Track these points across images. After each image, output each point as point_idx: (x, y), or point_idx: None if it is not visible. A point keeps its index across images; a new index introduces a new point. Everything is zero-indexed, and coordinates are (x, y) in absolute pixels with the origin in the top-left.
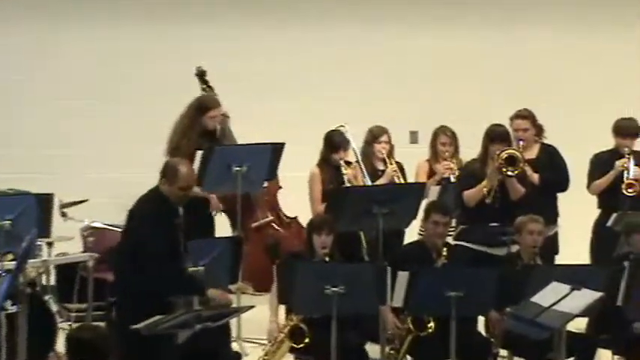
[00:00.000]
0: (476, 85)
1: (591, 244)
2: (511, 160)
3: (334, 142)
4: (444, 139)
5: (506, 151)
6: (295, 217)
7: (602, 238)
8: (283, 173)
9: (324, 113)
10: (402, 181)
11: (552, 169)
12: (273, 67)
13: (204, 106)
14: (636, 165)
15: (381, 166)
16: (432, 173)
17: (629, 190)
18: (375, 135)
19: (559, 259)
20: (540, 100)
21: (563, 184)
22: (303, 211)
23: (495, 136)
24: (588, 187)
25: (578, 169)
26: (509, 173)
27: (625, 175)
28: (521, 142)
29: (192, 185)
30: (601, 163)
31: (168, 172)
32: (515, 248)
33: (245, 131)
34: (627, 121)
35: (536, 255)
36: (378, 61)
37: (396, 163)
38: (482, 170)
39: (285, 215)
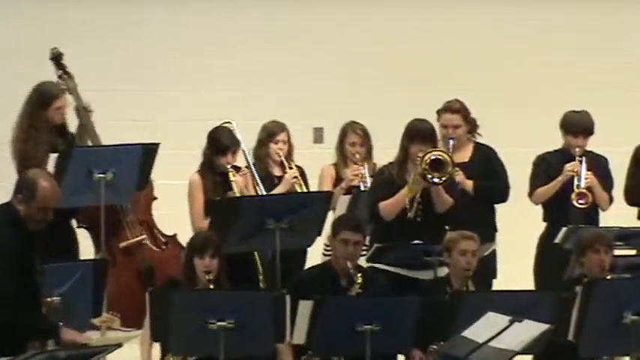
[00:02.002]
0: (395, 73)
1: (535, 266)
2: (437, 164)
3: (219, 142)
4: (353, 138)
5: (431, 153)
6: (174, 235)
7: (548, 257)
8: (159, 181)
9: (208, 107)
10: (304, 190)
11: (489, 175)
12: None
13: (45, 97)
14: (589, 170)
15: (277, 172)
16: (339, 180)
17: (580, 202)
18: (270, 133)
19: (497, 284)
20: (474, 92)
21: (502, 192)
22: (184, 227)
23: (417, 134)
24: (530, 194)
25: (520, 175)
26: (435, 180)
27: (575, 181)
28: (451, 142)
29: (53, 205)
30: (546, 167)
31: (24, 188)
32: (443, 271)
33: (113, 130)
34: (579, 115)
35: (468, 279)
36: (273, 43)
37: (297, 167)
38: (401, 176)
39: (161, 233)
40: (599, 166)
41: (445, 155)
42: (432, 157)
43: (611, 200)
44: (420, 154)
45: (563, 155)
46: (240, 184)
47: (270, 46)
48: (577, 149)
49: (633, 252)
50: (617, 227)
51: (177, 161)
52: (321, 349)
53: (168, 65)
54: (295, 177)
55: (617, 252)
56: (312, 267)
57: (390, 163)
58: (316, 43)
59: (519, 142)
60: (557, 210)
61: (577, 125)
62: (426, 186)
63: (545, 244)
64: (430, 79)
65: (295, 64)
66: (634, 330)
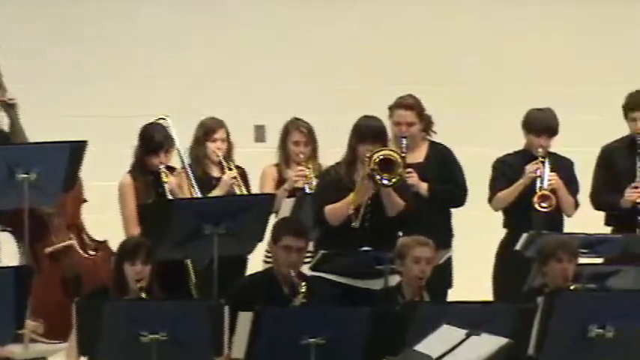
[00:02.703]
0: (342, 67)
1: (494, 275)
2: (387, 164)
3: (151, 140)
4: (297, 136)
5: (381, 152)
6: (104, 241)
7: (508, 266)
8: (88, 182)
9: (142, 102)
10: (244, 192)
11: (445, 177)
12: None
13: None
14: (553, 171)
15: (215, 172)
16: (282, 181)
17: (543, 205)
18: (207, 130)
19: (452, 295)
20: (429, 86)
21: (458, 195)
22: (115, 232)
23: (366, 132)
24: (490, 200)
25: (478, 177)
26: (385, 181)
27: (537, 184)
28: (403, 141)
29: None
30: (506, 170)
31: None
32: (394, 280)
33: (39, 127)
34: (542, 113)
35: (422, 289)
36: (211, 36)
37: (236, 167)
38: (349, 178)
39: (90, 238)
40: (563, 168)
41: (395, 155)
42: (381, 157)
43: (576, 205)
44: (369, 154)
45: (525, 157)
46: (174, 185)
47: (209, 39)
48: (540, 150)
49: (599, 260)
50: (582, 234)
51: (109, 161)
52: None
53: (101, 58)
54: (234, 178)
55: (581, 260)
56: (252, 275)
57: (337, 164)
58: (259, 38)
59: (478, 142)
60: (518, 215)
61: (540, 124)
62: (375, 189)
63: (505, 251)
64: (381, 74)
65: (236, 58)
66: (599, 344)
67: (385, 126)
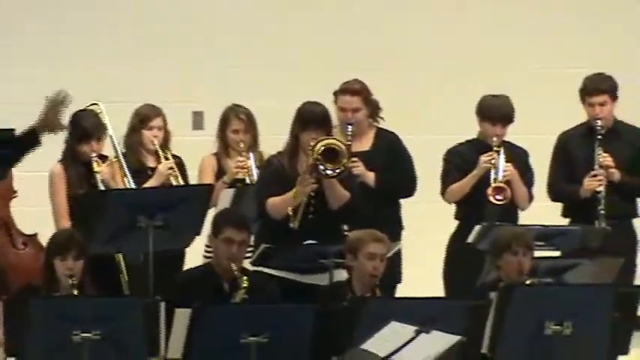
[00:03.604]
0: (284, 49)
1: (445, 269)
2: (331, 154)
3: (82, 127)
4: (236, 124)
5: (324, 142)
6: (34, 235)
7: (460, 259)
8: (16, 172)
9: (74, 87)
10: (181, 182)
11: (393, 166)
12: None
13: None
14: (508, 162)
15: (151, 162)
16: (221, 171)
17: (497, 198)
18: (143, 118)
19: (401, 290)
20: (376, 71)
21: (407, 185)
22: (45, 225)
23: (310, 119)
24: (443, 193)
25: (428, 165)
26: (329, 172)
27: (492, 175)
28: (349, 128)
29: None
30: (458, 160)
31: None
32: (341, 275)
33: None
34: (497, 99)
35: (376, 287)
36: (148, 15)
37: (173, 157)
38: (292, 168)
39: (19, 232)
40: (517, 158)
41: (339, 144)
42: (325, 147)
43: (530, 198)
44: (312, 143)
45: (478, 146)
46: (106, 175)
47: (144, 18)
48: (494, 138)
49: (556, 253)
50: (539, 225)
51: (39, 149)
52: None
53: (33, 38)
54: (171, 168)
55: (537, 253)
56: (190, 270)
57: (280, 153)
58: (196, 17)
59: (428, 129)
60: (471, 206)
61: (496, 112)
62: (318, 183)
63: (457, 244)
64: (325, 57)
65: (173, 39)
66: (556, 342)
67: (329, 112)
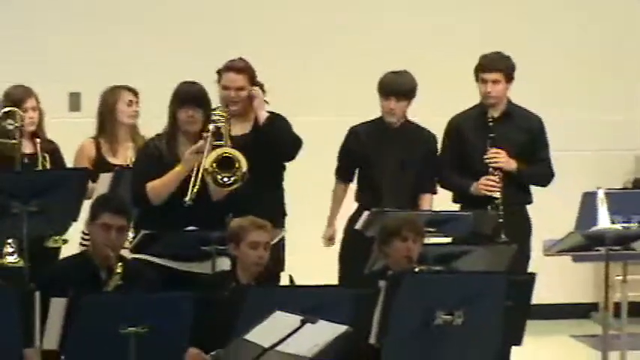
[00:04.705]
0: (163, 27)
1: (340, 256)
2: (225, 163)
3: None
4: (129, 95)
5: (218, 154)
6: None
7: (355, 246)
8: None
9: None
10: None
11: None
12: None
13: None
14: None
15: (27, 148)
16: (100, 157)
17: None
18: (15, 99)
19: (286, 278)
20: (267, 48)
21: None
22: None
23: (185, 96)
24: (338, 172)
25: (316, 147)
26: (226, 181)
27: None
28: (232, 108)
29: None
30: (355, 140)
31: None
32: (223, 262)
33: None
34: (395, 74)
35: (262, 275)
36: None
37: (48, 142)
38: (171, 151)
39: None
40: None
41: (232, 151)
42: (219, 156)
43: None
44: (208, 153)
45: (380, 124)
46: None
47: None
48: (391, 114)
49: (447, 240)
50: (429, 211)
51: None
52: (77, 356)
53: None
54: (44, 154)
55: (427, 240)
56: (66, 258)
57: (158, 135)
58: None
59: (316, 110)
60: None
61: (387, 85)
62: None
63: (352, 229)
64: (210, 34)
65: (48, 17)
66: (447, 332)
67: (206, 90)
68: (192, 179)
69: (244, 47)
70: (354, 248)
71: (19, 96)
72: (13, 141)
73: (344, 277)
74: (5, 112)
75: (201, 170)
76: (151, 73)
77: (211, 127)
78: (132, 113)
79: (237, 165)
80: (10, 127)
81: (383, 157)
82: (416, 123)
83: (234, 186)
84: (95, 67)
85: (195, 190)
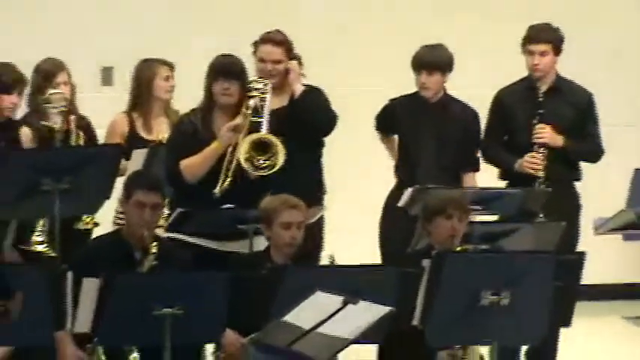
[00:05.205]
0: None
1: (381, 235)
2: (261, 147)
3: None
4: (166, 70)
5: (253, 139)
6: None
7: (396, 224)
8: None
9: None
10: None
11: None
12: None
13: None
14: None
15: (58, 123)
16: (133, 132)
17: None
18: (46, 74)
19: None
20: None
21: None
22: None
23: (220, 68)
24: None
25: (362, 118)
26: (263, 165)
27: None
28: (270, 81)
29: None
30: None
31: None
32: (260, 242)
33: None
34: (428, 48)
35: (296, 256)
36: None
37: (80, 118)
38: (206, 127)
39: None
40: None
41: (267, 136)
42: (254, 141)
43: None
44: (243, 143)
45: (417, 100)
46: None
47: None
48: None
49: (493, 218)
50: (475, 188)
51: None
52: (110, 338)
53: None
54: (78, 129)
55: (473, 218)
56: (100, 237)
57: (193, 110)
58: None
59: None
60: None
61: (418, 59)
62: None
63: (393, 206)
64: (246, 5)
65: None
66: (493, 312)
67: (242, 62)
68: (224, 170)
69: (279, 18)
70: (395, 226)
71: (50, 70)
72: (54, 125)
73: (385, 255)
74: (50, 94)
75: (234, 160)
76: (184, 45)
77: (251, 102)
78: (169, 88)
79: (273, 150)
80: (54, 111)
81: (419, 133)
82: (455, 97)
83: (268, 171)
84: (128, 41)
85: (225, 185)
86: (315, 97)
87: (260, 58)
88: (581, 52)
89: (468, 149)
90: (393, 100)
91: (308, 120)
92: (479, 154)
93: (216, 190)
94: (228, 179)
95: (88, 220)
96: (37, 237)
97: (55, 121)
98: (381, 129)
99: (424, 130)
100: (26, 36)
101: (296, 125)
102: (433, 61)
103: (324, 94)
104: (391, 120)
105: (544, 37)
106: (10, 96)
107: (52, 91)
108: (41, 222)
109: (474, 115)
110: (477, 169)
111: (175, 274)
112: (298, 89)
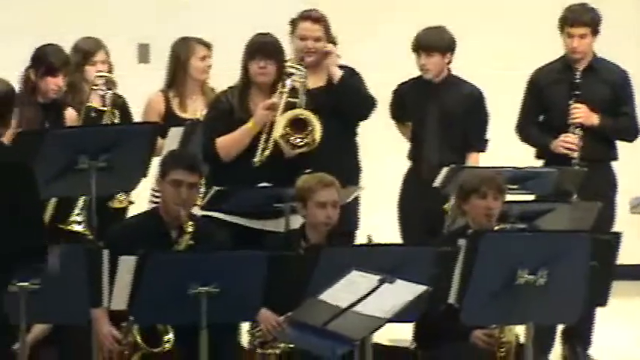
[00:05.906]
0: None
1: (400, 217)
2: (298, 124)
3: (48, 62)
4: (203, 50)
5: (290, 117)
6: None
7: (410, 201)
8: None
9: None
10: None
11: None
12: None
13: None
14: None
15: (95, 102)
16: (169, 110)
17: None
18: (85, 53)
19: (361, 236)
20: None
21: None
22: None
23: (257, 47)
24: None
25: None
26: (300, 142)
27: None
28: (309, 59)
29: None
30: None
31: None
32: (296, 220)
33: None
34: (429, 30)
35: (331, 235)
36: None
37: (117, 97)
38: (242, 106)
39: None
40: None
41: (304, 113)
42: (291, 118)
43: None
44: (281, 119)
45: (421, 82)
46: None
47: None
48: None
49: (529, 197)
50: (511, 167)
51: None
52: (146, 316)
53: None
54: (113, 107)
55: (509, 197)
56: (136, 215)
57: (230, 88)
58: None
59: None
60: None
61: (417, 41)
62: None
63: (408, 185)
64: None
65: None
66: (528, 292)
67: (279, 42)
68: (263, 140)
69: None
70: (412, 207)
71: (89, 48)
72: (97, 105)
73: (405, 237)
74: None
75: (272, 134)
76: (220, 23)
77: (288, 82)
78: (205, 69)
79: (310, 127)
80: (96, 90)
81: (424, 113)
82: (460, 78)
83: (305, 149)
84: (164, 18)
85: (265, 153)
86: (355, 82)
87: (300, 35)
88: (614, 31)
89: (474, 129)
90: (400, 85)
91: (348, 104)
92: (487, 136)
93: (256, 160)
94: (267, 150)
95: (122, 198)
96: (76, 216)
97: (97, 101)
98: (395, 117)
99: (429, 110)
100: (64, 14)
101: (335, 107)
102: (430, 43)
103: (361, 77)
104: (401, 104)
105: (583, 19)
106: (55, 78)
107: (93, 71)
108: (81, 201)
109: (479, 95)
110: (481, 149)
111: (212, 253)
112: (337, 73)
